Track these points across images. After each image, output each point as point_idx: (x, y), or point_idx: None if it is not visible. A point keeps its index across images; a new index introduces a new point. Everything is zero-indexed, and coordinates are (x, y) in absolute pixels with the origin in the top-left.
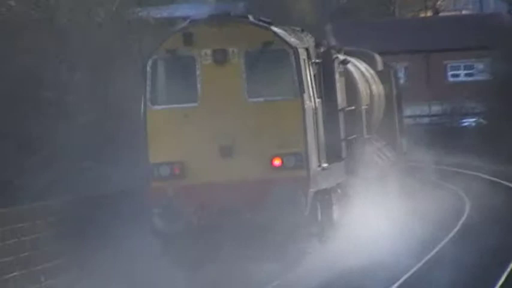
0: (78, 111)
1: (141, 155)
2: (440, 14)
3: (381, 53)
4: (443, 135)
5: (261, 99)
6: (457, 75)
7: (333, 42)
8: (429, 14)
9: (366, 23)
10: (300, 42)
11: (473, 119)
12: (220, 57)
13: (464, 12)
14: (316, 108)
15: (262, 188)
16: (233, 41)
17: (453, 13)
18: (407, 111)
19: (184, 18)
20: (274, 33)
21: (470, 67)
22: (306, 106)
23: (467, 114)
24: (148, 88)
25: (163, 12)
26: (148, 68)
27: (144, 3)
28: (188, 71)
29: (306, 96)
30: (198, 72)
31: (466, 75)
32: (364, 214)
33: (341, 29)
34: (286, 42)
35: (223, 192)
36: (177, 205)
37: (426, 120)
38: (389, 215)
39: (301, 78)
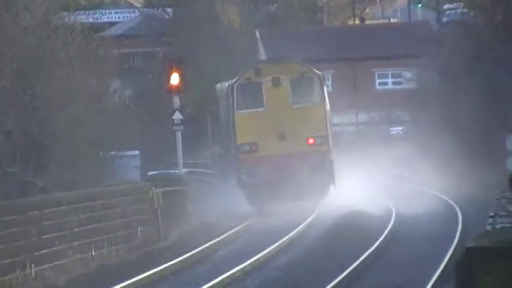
0: (3, 117)
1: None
2: (368, 22)
3: (307, 61)
4: (368, 143)
5: (301, 105)
6: (385, 84)
7: (261, 49)
8: (357, 22)
9: (293, 31)
10: (319, 71)
11: (401, 128)
12: (276, 82)
13: (392, 20)
14: (329, 110)
15: (303, 157)
16: (283, 72)
17: (381, 21)
18: (335, 119)
19: (112, 23)
20: (307, 67)
21: (398, 75)
22: (326, 108)
23: (395, 123)
24: (235, 100)
25: (90, 17)
26: (235, 89)
27: (70, 8)
28: (258, 90)
29: (326, 102)
30: (263, 91)
31: (394, 83)
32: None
33: (268, 37)
34: (314, 72)
35: (280, 160)
36: (255, 168)
37: (353, 128)
38: (356, 175)
39: (323, 92)
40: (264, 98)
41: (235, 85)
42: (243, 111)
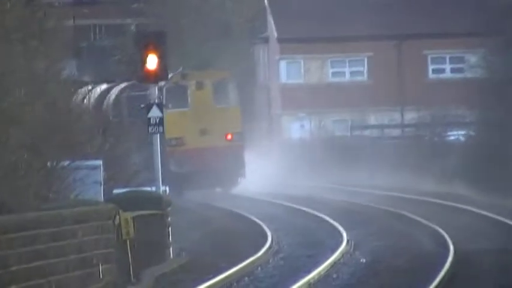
0: None
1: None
2: None
3: (337, 38)
4: (419, 153)
5: (221, 106)
6: (441, 71)
7: (270, 23)
8: None
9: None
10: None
11: (462, 132)
12: (200, 85)
13: None
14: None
15: (222, 150)
16: (206, 77)
17: None
18: (371, 119)
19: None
20: (227, 73)
21: (459, 60)
22: (240, 109)
23: (454, 125)
24: (165, 101)
25: None
26: (164, 90)
27: None
28: (184, 92)
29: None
30: (188, 93)
31: (453, 70)
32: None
33: (282, 5)
34: (233, 78)
35: (202, 152)
36: (181, 159)
37: (397, 131)
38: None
39: (238, 95)
40: (189, 99)
41: (164, 87)
42: (171, 110)
